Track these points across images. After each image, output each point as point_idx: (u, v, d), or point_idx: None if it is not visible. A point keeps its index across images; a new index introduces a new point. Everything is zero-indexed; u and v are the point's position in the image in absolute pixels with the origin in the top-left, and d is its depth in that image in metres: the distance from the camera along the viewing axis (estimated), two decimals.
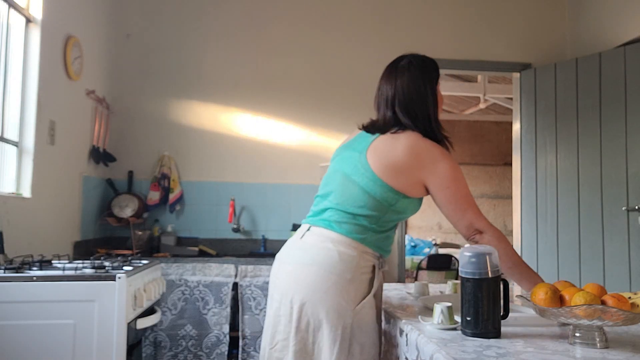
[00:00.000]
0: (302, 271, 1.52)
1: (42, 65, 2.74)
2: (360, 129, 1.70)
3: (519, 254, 4.11)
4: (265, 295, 3.09)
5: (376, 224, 1.55)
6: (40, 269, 1.97)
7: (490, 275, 1.29)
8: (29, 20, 2.72)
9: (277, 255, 1.67)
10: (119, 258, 2.38)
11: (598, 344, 1.20)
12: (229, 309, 3.15)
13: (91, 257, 2.35)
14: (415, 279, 5.24)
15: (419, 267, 5.31)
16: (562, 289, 1.28)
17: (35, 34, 2.73)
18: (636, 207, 3.30)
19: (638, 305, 1.20)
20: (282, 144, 3.93)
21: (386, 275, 2.10)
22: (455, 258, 5.32)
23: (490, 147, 8.06)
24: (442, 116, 1.69)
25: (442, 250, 6.55)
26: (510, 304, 1.48)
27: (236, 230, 3.81)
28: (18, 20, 2.67)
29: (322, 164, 3.77)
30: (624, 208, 3.36)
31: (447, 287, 2.03)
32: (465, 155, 7.93)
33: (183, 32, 3.91)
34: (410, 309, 1.69)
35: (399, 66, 1.66)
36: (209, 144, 3.88)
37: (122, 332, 1.88)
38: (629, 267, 3.30)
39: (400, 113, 1.60)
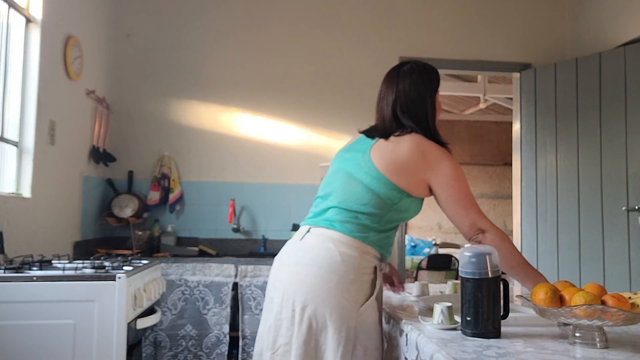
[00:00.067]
0: (303, 272, 1.51)
1: (42, 65, 2.74)
2: (360, 133, 1.72)
3: None
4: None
5: (378, 223, 1.55)
6: (40, 269, 1.97)
7: (490, 275, 1.29)
8: (29, 20, 2.72)
9: (277, 258, 1.65)
10: (119, 258, 2.38)
11: (598, 344, 1.20)
12: (229, 309, 3.15)
13: (91, 257, 2.35)
14: (415, 279, 5.23)
15: (419, 267, 5.31)
16: (562, 289, 1.28)
17: (35, 34, 2.73)
18: (636, 207, 3.30)
19: (638, 305, 1.20)
20: (282, 144, 3.93)
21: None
22: (455, 258, 5.32)
23: (490, 147, 8.06)
24: (442, 116, 1.70)
25: (442, 250, 6.54)
26: (510, 304, 1.48)
27: (236, 230, 3.81)
28: (18, 20, 2.67)
29: (322, 164, 3.77)
30: (624, 208, 3.36)
31: (447, 287, 2.03)
32: (465, 155, 7.92)
33: (183, 32, 3.91)
34: (410, 309, 1.69)
35: (401, 71, 1.68)
36: (209, 144, 3.88)
37: (122, 332, 1.88)
38: (629, 267, 3.30)
39: (402, 116, 1.62)
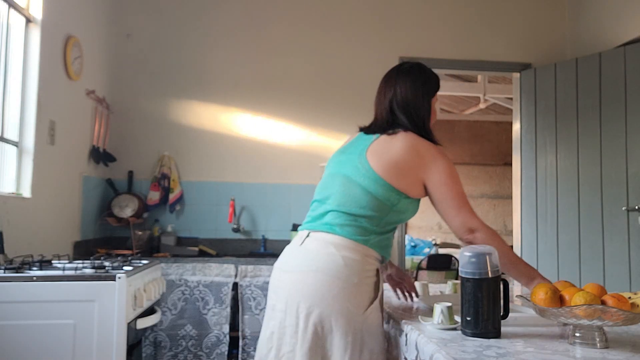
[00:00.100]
0: (307, 278, 1.49)
1: (42, 65, 2.74)
2: (360, 130, 1.72)
3: (519, 254, 4.12)
4: (266, 295, 3.09)
5: (377, 225, 1.55)
6: (40, 269, 1.97)
7: (490, 275, 1.29)
8: (29, 20, 2.72)
9: (276, 264, 1.63)
10: (119, 258, 2.38)
11: (598, 344, 1.20)
12: (229, 309, 3.15)
13: (91, 257, 2.35)
14: (415, 279, 5.23)
15: (419, 267, 5.31)
16: (562, 289, 1.28)
17: (35, 34, 2.73)
18: (636, 207, 3.30)
19: (638, 305, 1.20)
20: (282, 144, 3.93)
21: None
22: (455, 258, 5.32)
23: (490, 147, 8.05)
24: (442, 116, 1.71)
25: (442, 250, 6.54)
26: (510, 304, 1.48)
27: (236, 230, 3.81)
28: (18, 20, 2.67)
29: (322, 164, 3.76)
30: (624, 208, 3.36)
31: (447, 287, 2.03)
32: (465, 155, 7.92)
33: (183, 32, 3.91)
34: (410, 309, 1.69)
35: (400, 70, 1.70)
36: (209, 144, 3.88)
37: (122, 332, 1.88)
38: (629, 267, 3.30)
39: (398, 112, 1.63)
